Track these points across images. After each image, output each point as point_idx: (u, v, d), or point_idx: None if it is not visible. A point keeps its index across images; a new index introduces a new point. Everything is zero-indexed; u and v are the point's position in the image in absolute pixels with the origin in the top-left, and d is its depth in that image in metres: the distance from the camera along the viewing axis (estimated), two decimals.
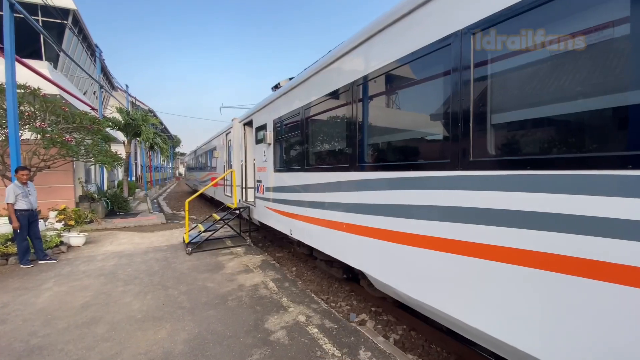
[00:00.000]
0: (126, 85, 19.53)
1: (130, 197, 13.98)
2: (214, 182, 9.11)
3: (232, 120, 9.01)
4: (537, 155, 1.89)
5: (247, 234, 7.56)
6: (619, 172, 1.52)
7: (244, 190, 8.21)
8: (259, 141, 6.91)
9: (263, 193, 6.57)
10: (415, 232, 2.67)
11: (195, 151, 21.52)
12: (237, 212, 7.50)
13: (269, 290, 4.40)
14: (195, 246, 6.59)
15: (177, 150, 52.38)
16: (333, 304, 4.51)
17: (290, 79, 5.90)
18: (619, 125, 1.64)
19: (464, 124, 2.20)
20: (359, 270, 3.70)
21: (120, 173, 18.74)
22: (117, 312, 3.74)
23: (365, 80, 3.32)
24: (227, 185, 9.83)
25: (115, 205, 11.61)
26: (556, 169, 1.74)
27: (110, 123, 12.23)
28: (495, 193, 2.02)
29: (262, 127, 6.62)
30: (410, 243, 2.73)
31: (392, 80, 3.16)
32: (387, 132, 3.32)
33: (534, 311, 1.85)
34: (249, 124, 7.74)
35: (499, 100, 2.08)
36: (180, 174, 62.72)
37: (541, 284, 1.80)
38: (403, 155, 3.00)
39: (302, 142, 4.83)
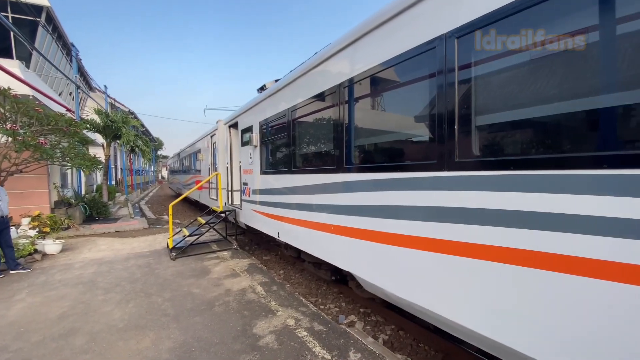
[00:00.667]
0: (105, 86, 18.89)
1: (110, 202, 13.51)
2: (199, 185, 8.90)
3: (217, 122, 8.87)
4: (519, 156, 1.95)
5: (234, 237, 7.43)
6: (595, 172, 1.58)
7: (229, 193, 8.08)
8: (244, 143, 6.82)
9: (249, 196, 6.48)
10: (402, 233, 2.69)
11: (178, 154, 21.04)
12: (223, 215, 7.37)
13: (256, 295, 4.34)
14: (179, 251, 6.42)
15: (159, 153, 51.14)
16: (322, 307, 4.49)
17: (277, 80, 5.86)
18: (593, 126, 1.71)
19: (449, 125, 2.24)
20: (347, 272, 3.70)
21: (99, 177, 18.08)
22: (97, 322, 3.59)
23: (351, 83, 3.33)
24: (212, 188, 9.65)
25: (94, 211, 11.18)
26: (538, 169, 1.80)
27: (87, 125, 11.78)
28: (480, 193, 2.07)
29: (248, 129, 6.54)
30: (398, 243, 2.75)
31: (379, 82, 3.19)
32: (374, 133, 3.34)
33: (520, 308, 1.89)
34: (235, 126, 7.64)
35: (482, 102, 2.13)
36: (163, 178, 61.23)
37: (526, 281, 1.85)
38: (390, 156, 3.02)
39: (288, 144, 4.79)
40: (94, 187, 17.35)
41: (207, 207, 9.42)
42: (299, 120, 4.60)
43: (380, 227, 2.95)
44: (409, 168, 2.65)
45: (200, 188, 10.80)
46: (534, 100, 1.92)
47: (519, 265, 1.88)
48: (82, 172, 12.87)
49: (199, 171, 12.36)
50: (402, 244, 2.70)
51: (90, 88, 20.84)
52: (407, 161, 2.78)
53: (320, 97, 3.96)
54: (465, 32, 2.14)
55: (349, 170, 3.40)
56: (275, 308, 3.90)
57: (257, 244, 8.16)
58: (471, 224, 2.13)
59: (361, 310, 4.33)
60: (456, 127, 2.20)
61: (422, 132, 2.65)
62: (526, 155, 1.92)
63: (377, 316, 4.15)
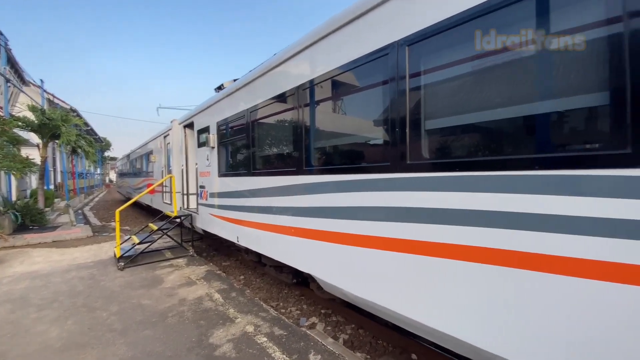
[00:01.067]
0: (41, 80, 17.02)
1: (47, 209, 12.15)
2: (151, 188, 8.37)
3: (172, 121, 8.41)
4: (463, 158, 2.10)
5: (190, 243, 7.08)
6: (530, 173, 1.75)
7: (185, 196, 7.70)
8: (201, 144, 6.55)
9: (207, 199, 6.23)
10: (359, 233, 2.76)
11: (128, 155, 19.59)
12: (178, 220, 6.99)
13: (214, 302, 4.17)
14: (128, 260, 5.97)
15: (106, 154, 47.29)
16: (283, 310, 4.44)
17: (235, 80, 5.72)
18: (528, 131, 1.90)
19: (401, 129, 2.34)
20: (308, 274, 3.70)
21: (34, 181, 16.21)
22: (29, 343, 3.20)
23: (310, 85, 3.36)
24: (165, 192, 9.12)
25: (28, 219, 9.97)
26: (480, 171, 1.94)
27: (19, 123, 10.53)
28: (429, 193, 2.19)
29: (205, 130, 6.29)
30: (355, 243, 2.81)
31: (336, 86, 3.25)
32: (332, 136, 3.39)
33: (471, 302, 2.01)
34: (190, 126, 7.31)
35: (430, 108, 2.26)
36: (111, 181, 56.54)
37: (475, 276, 1.98)
38: (347, 158, 3.09)
39: (248, 146, 4.69)
40: (28, 192, 15.52)
41: (161, 212, 8.88)
42: (258, 121, 4.52)
43: (338, 228, 2.99)
44: (366, 170, 2.73)
45: (152, 192, 10.15)
46: (477, 106, 2.08)
47: (468, 261, 2.01)
48: (11, 176, 11.45)
49: (151, 174, 11.62)
50: (358, 244, 2.77)
51: (24, 82, 18.63)
52: (364, 163, 2.86)
53: (279, 98, 3.93)
54: (414, 40, 2.26)
55: (308, 172, 3.41)
56: (233, 315, 3.78)
57: (216, 249, 7.86)
58: (423, 223, 2.24)
59: (322, 311, 4.35)
60: (407, 130, 2.31)
61: (377, 135, 2.74)
62: (470, 158, 2.07)
63: (337, 316, 4.20)
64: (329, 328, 3.90)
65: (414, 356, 3.26)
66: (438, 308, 2.19)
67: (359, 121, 3.10)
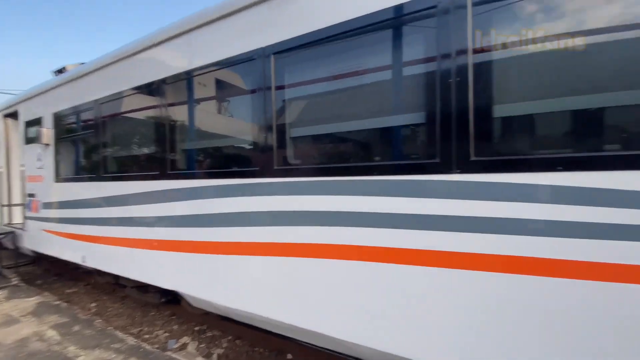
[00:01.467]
0: None
1: None
2: None
3: None
4: (323, 165, 2.27)
5: (13, 269, 5.39)
6: (370, 178, 2.00)
7: (5, 208, 5.86)
8: (30, 140, 5.10)
9: (38, 211, 4.88)
10: (225, 240, 2.66)
11: None
12: None
13: (45, 342, 3.26)
14: None
15: None
16: (147, 336, 3.85)
17: (82, 64, 4.68)
18: (370, 142, 2.19)
19: (268, 135, 2.37)
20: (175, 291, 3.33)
21: None
22: None
23: (175, 80, 3.05)
24: None
25: None
26: (336, 176, 2.13)
27: None
28: (294, 197, 2.27)
29: (36, 122, 4.93)
30: (221, 251, 2.70)
31: (207, 84, 3.04)
32: (201, 137, 3.17)
33: (333, 297, 2.16)
34: (13, 115, 5.62)
35: (294, 116, 2.37)
36: None
37: (333, 272, 2.14)
38: (217, 162, 2.95)
39: (98, 145, 3.90)
40: None
41: None
42: (112, 115, 3.83)
43: (204, 237, 2.82)
44: (235, 175, 2.65)
45: None
46: (336, 117, 2.29)
47: (329, 258, 2.15)
48: None
49: None
50: (225, 252, 2.66)
51: None
52: (235, 168, 2.79)
53: (141, 90, 3.43)
54: (278, 50, 2.31)
55: (173, 177, 3.07)
56: (74, 353, 3.05)
57: (58, 274, 6.21)
58: (288, 225, 2.30)
59: (196, 328, 3.98)
60: (274, 137, 2.34)
61: (246, 140, 2.71)
62: (329, 164, 2.26)
63: (213, 331, 3.92)
64: (202, 345, 3.59)
65: (289, 356, 3.33)
66: (302, 307, 2.29)
67: (229, 123, 2.99)
